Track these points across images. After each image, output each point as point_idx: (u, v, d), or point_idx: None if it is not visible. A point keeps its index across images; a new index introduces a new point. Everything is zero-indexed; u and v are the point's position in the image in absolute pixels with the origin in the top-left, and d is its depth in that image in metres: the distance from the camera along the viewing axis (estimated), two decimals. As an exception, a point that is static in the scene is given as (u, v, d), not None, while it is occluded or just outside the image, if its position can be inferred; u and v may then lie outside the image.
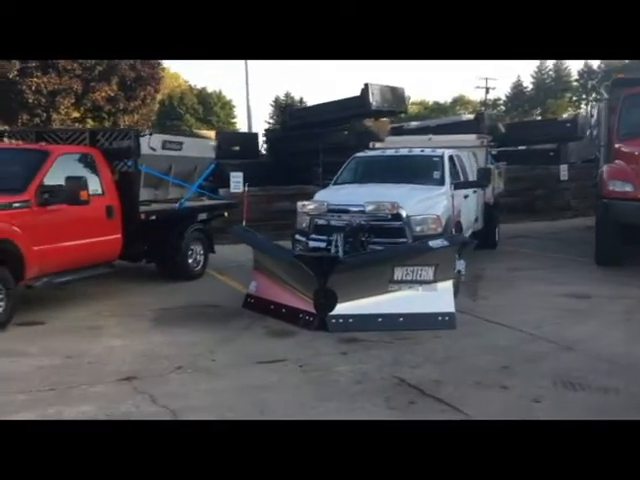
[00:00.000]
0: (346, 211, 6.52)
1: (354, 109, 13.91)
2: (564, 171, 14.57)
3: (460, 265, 6.92)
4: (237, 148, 14.01)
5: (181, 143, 8.39)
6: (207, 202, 8.82)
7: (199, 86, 48.91)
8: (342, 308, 5.55)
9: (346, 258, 5.74)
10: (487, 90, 47.80)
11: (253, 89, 58.17)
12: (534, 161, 16.05)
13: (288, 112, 15.55)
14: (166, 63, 23.24)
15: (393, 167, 8.00)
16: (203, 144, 9.24)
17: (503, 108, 49.25)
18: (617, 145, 8.56)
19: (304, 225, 6.95)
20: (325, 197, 6.88)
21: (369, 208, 6.16)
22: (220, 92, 52.38)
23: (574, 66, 53.73)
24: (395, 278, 5.65)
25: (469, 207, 8.40)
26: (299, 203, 6.45)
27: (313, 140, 13.37)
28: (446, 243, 5.60)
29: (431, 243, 5.62)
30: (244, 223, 6.42)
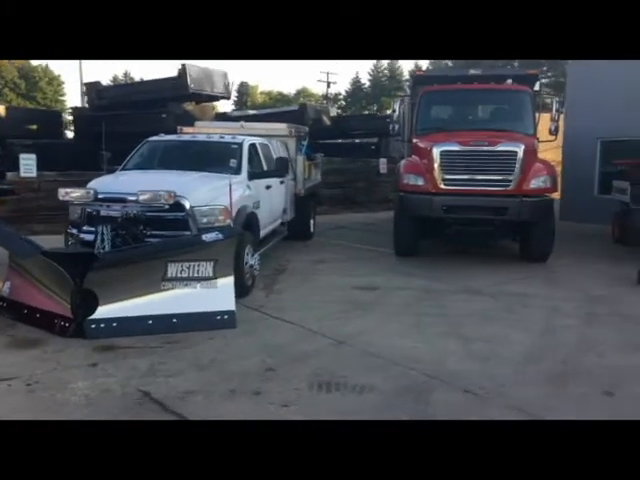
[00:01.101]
0: (122, 200, 5.79)
1: (171, 91, 12.99)
2: (383, 164, 15.11)
3: (253, 259, 6.63)
4: (34, 127, 12.33)
5: None
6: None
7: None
8: (105, 311, 4.91)
9: (105, 254, 5.06)
10: (328, 84, 49.23)
11: (88, 66, 53.27)
12: (358, 154, 16.51)
13: (94, 90, 14.06)
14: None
15: (188, 154, 7.42)
16: (-34, 118, 7.80)
17: (343, 102, 51.06)
18: (414, 140, 8.88)
19: (76, 216, 6.09)
20: (96, 184, 6.06)
21: (142, 197, 5.50)
22: (47, 66, 47.68)
23: (406, 66, 57.49)
24: (169, 275, 5.14)
25: (273, 198, 8.12)
26: (61, 190, 5.57)
27: (124, 122, 12.24)
28: (221, 236, 5.18)
29: (204, 236, 5.17)
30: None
